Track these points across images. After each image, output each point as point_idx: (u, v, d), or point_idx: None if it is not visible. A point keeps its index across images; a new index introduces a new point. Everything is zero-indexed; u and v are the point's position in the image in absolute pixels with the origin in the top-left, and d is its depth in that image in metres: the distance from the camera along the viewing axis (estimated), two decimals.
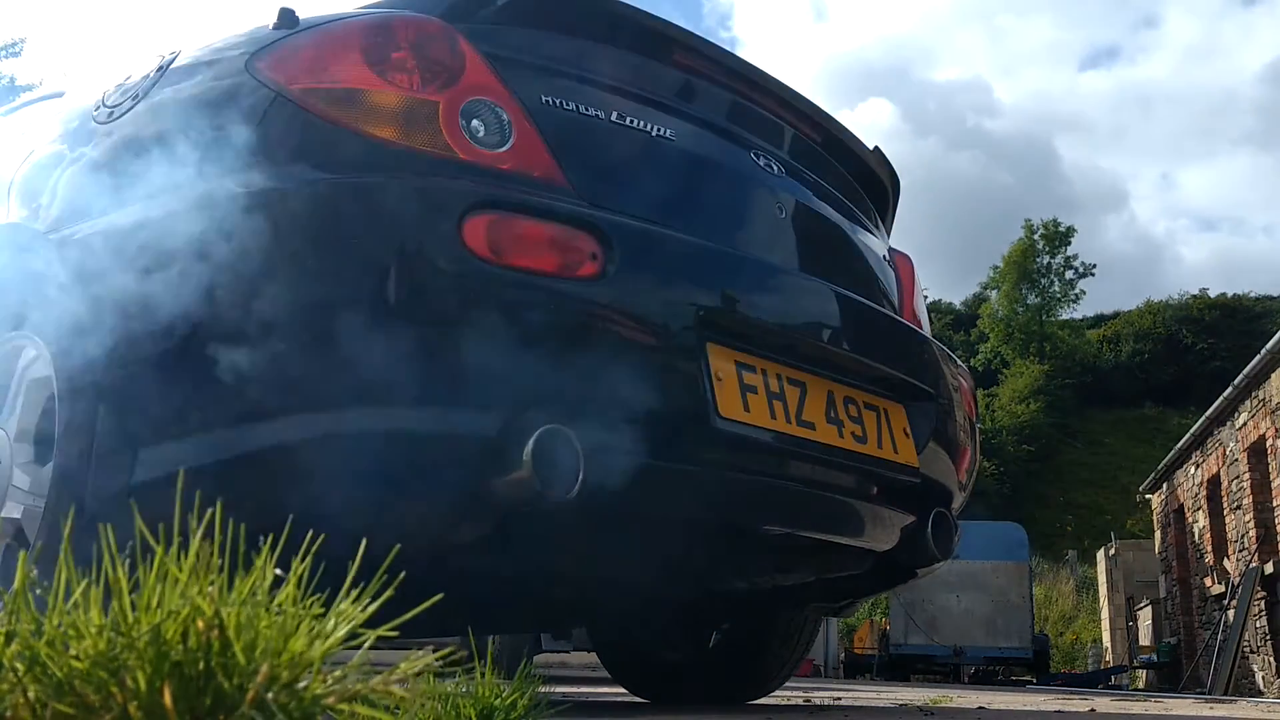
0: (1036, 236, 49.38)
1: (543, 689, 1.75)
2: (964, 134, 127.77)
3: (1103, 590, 23.05)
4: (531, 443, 1.50)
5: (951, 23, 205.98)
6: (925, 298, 2.89)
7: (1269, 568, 10.91)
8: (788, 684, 5.26)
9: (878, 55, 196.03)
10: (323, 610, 0.82)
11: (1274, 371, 10.66)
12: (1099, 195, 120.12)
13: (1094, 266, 50.40)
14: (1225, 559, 13.13)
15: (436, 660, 0.84)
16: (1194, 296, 50.37)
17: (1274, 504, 11.02)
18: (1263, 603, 11.17)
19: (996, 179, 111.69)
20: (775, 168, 2.21)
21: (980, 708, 3.39)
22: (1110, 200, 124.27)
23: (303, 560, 0.84)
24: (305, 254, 1.52)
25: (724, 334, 1.80)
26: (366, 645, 0.81)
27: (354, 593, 0.83)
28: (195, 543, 0.80)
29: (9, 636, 0.75)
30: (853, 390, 2.07)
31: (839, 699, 3.95)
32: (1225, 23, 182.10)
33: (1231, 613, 11.84)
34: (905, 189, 2.83)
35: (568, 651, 8.56)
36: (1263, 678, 11.22)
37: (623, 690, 3.33)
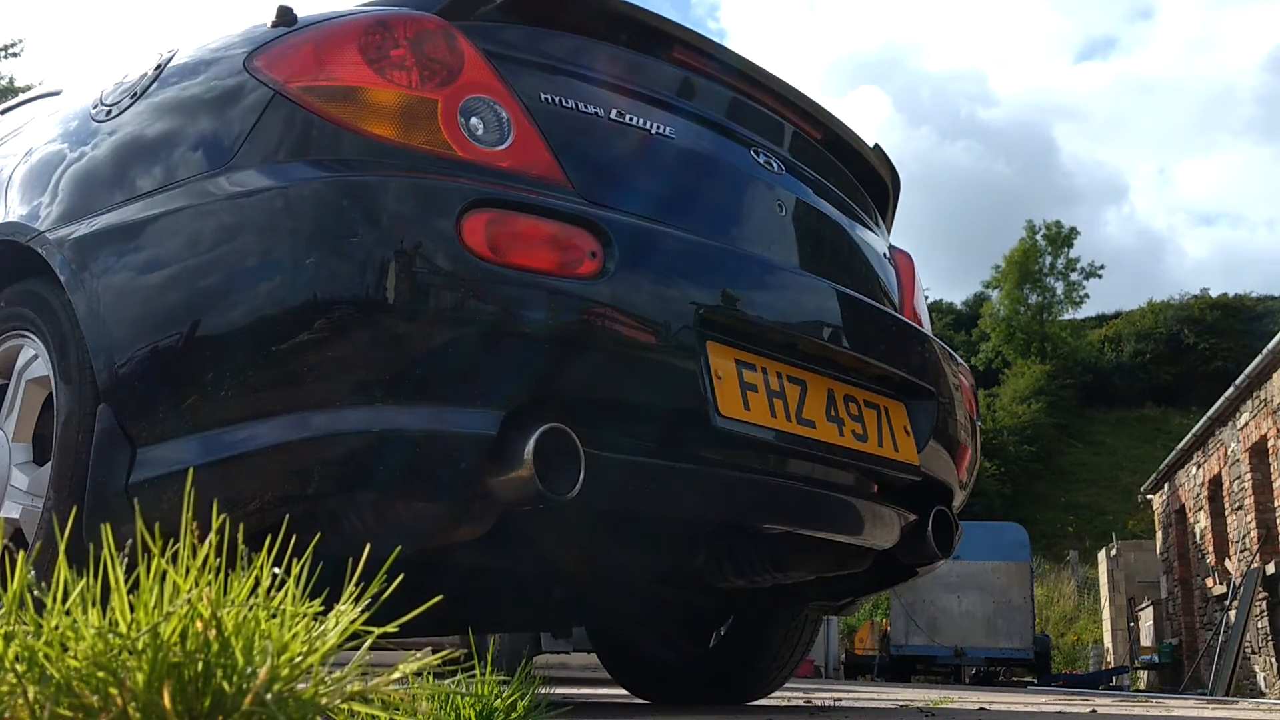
0: (1038, 237, 49.38)
1: (543, 689, 1.75)
2: (959, 124, 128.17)
3: (1104, 591, 23.05)
4: (532, 442, 1.50)
5: (945, 12, 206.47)
6: (926, 298, 2.88)
7: (1270, 568, 10.91)
8: (788, 684, 5.26)
9: (870, 45, 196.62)
10: (322, 610, 0.81)
11: (1275, 371, 10.66)
12: (1099, 188, 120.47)
13: (1102, 267, 50.49)
14: (1227, 559, 13.12)
15: (436, 661, 0.83)
16: (1195, 296, 50.40)
17: (1275, 504, 11.01)
18: (1264, 603, 11.16)
19: (994, 169, 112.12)
20: (775, 165, 2.21)
21: (981, 708, 3.39)
22: (1110, 193, 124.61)
23: (302, 560, 0.84)
24: (304, 252, 1.52)
25: (724, 332, 1.80)
26: (366, 646, 0.81)
27: (353, 593, 0.83)
28: (190, 541, 0.80)
29: (8, 637, 0.74)
30: (853, 388, 2.06)
31: (839, 700, 3.94)
32: (1222, 14, 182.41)
33: (1233, 613, 11.83)
34: (902, 181, 2.82)
35: (568, 652, 8.55)
36: (1264, 678, 11.21)
37: (623, 690, 3.33)
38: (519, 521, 1.69)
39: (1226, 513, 12.84)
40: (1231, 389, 11.88)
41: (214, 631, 0.75)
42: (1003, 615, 16.19)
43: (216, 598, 0.76)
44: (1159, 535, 17.63)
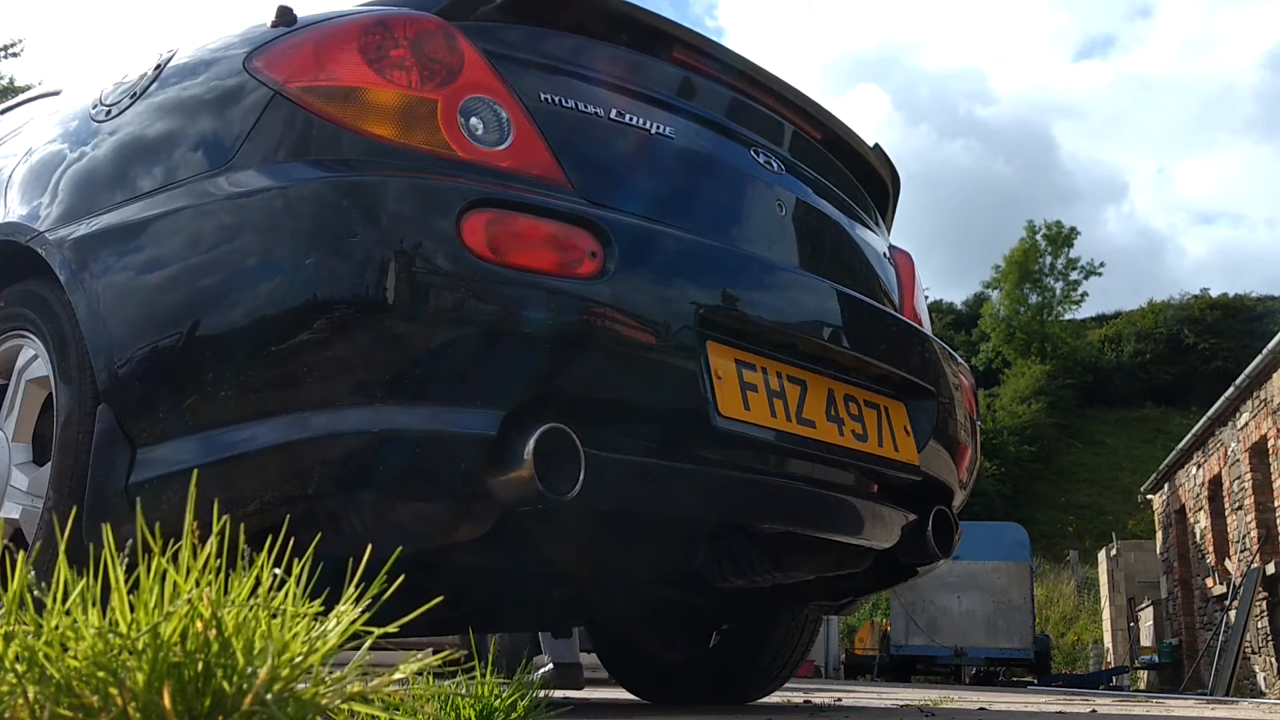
0: (1039, 237, 49.41)
1: (542, 689, 1.75)
2: (957, 122, 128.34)
3: (1104, 591, 23.04)
4: (532, 442, 1.50)
5: (943, 10, 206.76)
6: (926, 298, 2.88)
7: (1270, 568, 10.90)
8: (788, 684, 5.26)
9: (868, 43, 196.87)
10: (322, 610, 0.81)
11: (1275, 371, 10.65)
12: (1099, 186, 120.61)
13: (1102, 265, 50.55)
14: (1227, 559, 13.12)
15: (436, 661, 0.83)
16: (1195, 296, 50.45)
17: (1275, 504, 11.01)
18: (1264, 603, 11.15)
19: (993, 168, 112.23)
20: (775, 165, 2.21)
21: (981, 708, 3.39)
22: (1110, 191, 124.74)
23: (302, 560, 0.83)
24: (304, 252, 1.52)
25: (724, 332, 1.80)
26: (366, 646, 0.81)
27: (353, 593, 0.83)
28: (190, 541, 0.80)
29: (8, 637, 0.74)
30: (853, 388, 2.06)
31: (840, 699, 3.94)
32: (1221, 12, 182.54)
33: (1233, 613, 11.82)
34: (901, 179, 2.82)
35: None
36: (1264, 679, 11.21)
37: (623, 690, 3.33)
38: (519, 521, 1.69)
39: (1226, 513, 12.84)
40: (1231, 389, 11.88)
41: (214, 631, 0.75)
42: (1003, 615, 16.19)
43: (217, 598, 0.76)
44: (1159, 535, 17.62)
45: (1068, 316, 50.13)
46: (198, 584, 0.77)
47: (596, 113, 1.90)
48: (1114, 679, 17.89)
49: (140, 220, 1.70)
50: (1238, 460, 12.09)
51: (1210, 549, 13.85)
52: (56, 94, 2.34)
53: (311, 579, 0.82)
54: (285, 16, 1.76)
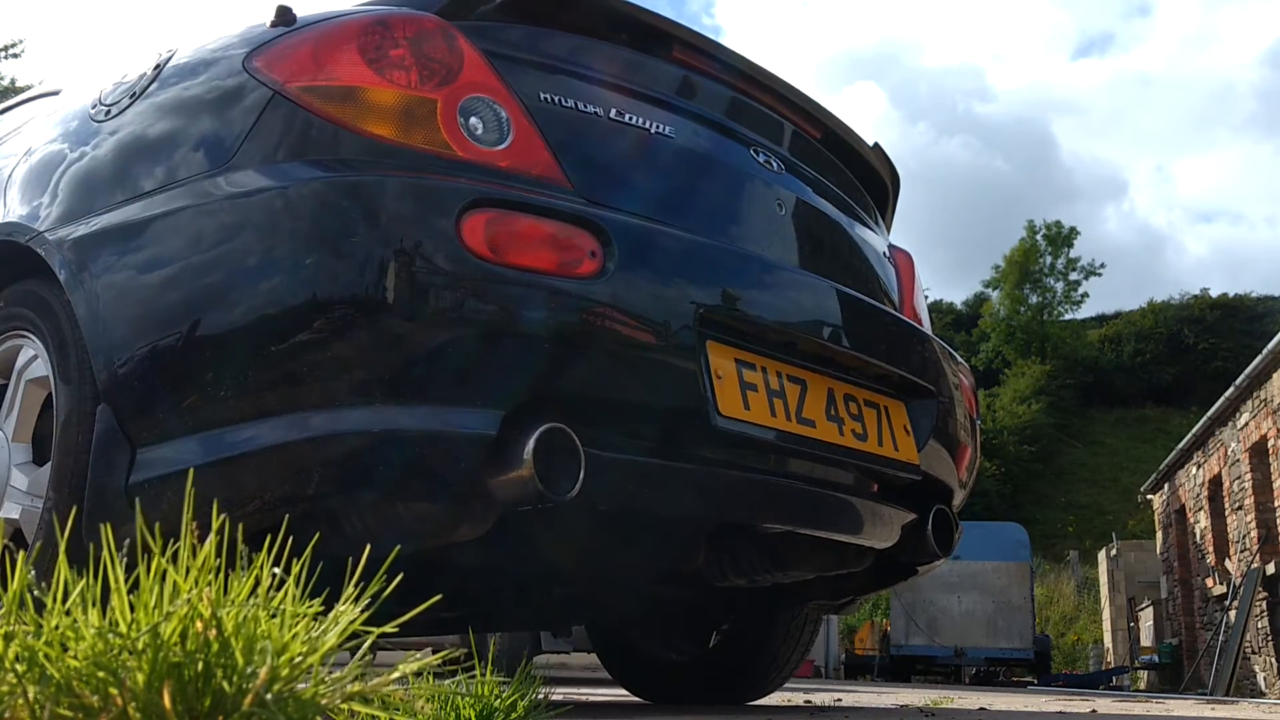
0: (1039, 237, 49.43)
1: (542, 689, 1.75)
2: (956, 120, 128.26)
3: (1104, 591, 23.05)
4: (532, 442, 1.50)
5: (942, 7, 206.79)
6: (926, 298, 2.88)
7: (1270, 568, 10.91)
8: (788, 684, 5.26)
9: (866, 40, 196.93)
10: (322, 610, 0.81)
11: (1276, 371, 10.65)
12: (1098, 184, 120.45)
13: (1102, 266, 50.59)
14: (1227, 559, 13.12)
15: (436, 661, 0.83)
16: (1195, 296, 50.47)
17: (1275, 504, 11.01)
18: (1264, 603, 11.16)
19: (993, 165, 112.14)
20: (775, 164, 2.21)
21: (981, 709, 3.39)
22: (1110, 189, 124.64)
23: (301, 560, 0.83)
24: (303, 252, 1.52)
25: (724, 332, 1.80)
26: (366, 646, 0.81)
27: (353, 593, 0.83)
28: (190, 541, 0.80)
29: (8, 637, 0.74)
30: (853, 388, 2.06)
31: (840, 700, 3.94)
32: (1220, 10, 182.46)
33: (1233, 613, 11.83)
34: (900, 178, 2.82)
35: (568, 652, 8.56)
36: (1264, 679, 11.21)
37: (623, 691, 3.33)
38: (519, 521, 1.69)
39: (1226, 513, 12.84)
40: (1231, 389, 11.88)
41: (214, 631, 0.75)
42: (1003, 615, 16.19)
43: (216, 598, 0.76)
44: (1159, 535, 17.62)
45: (1068, 317, 50.18)
46: (197, 584, 0.77)
47: (596, 112, 1.90)
48: (1114, 679, 17.89)
49: (140, 220, 1.70)
50: (1238, 460, 12.10)
51: (1210, 549, 13.85)
52: (56, 94, 2.34)
53: (311, 579, 0.82)
54: (284, 16, 1.76)
